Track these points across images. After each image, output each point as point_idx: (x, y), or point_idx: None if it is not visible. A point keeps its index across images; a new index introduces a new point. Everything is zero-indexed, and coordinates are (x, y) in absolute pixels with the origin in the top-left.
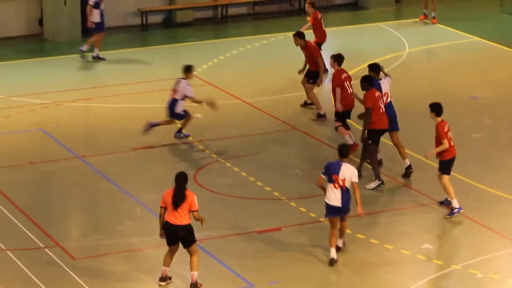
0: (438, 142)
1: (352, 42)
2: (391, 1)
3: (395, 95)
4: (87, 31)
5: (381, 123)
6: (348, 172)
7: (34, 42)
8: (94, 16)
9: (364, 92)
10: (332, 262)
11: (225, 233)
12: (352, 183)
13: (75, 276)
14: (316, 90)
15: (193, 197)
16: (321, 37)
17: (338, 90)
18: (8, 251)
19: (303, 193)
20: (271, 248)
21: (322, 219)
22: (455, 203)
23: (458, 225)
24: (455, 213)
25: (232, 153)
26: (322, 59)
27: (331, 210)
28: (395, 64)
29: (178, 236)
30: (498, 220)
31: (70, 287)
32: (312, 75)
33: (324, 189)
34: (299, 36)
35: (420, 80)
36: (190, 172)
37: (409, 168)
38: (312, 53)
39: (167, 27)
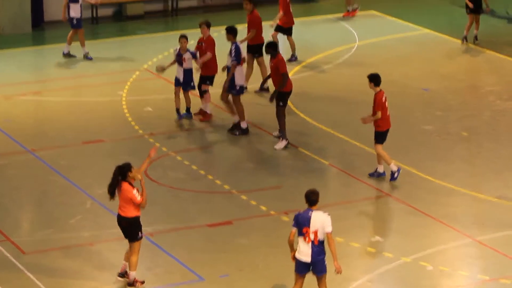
0: (375, 112)
1: (303, 35)
2: None
3: (346, 87)
4: (37, 24)
5: (290, 85)
6: (319, 222)
7: None
8: (75, 11)
9: (271, 58)
10: None
11: (175, 227)
12: (326, 234)
13: (25, 271)
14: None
15: (130, 190)
16: (291, 20)
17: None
18: None
19: (253, 186)
20: (222, 241)
21: (272, 212)
22: (393, 167)
23: (408, 218)
24: (396, 177)
25: (183, 147)
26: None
27: (299, 266)
28: (346, 56)
29: (124, 228)
30: (448, 212)
31: (19, 281)
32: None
33: (293, 248)
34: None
35: (370, 72)
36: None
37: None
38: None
39: (118, 20)
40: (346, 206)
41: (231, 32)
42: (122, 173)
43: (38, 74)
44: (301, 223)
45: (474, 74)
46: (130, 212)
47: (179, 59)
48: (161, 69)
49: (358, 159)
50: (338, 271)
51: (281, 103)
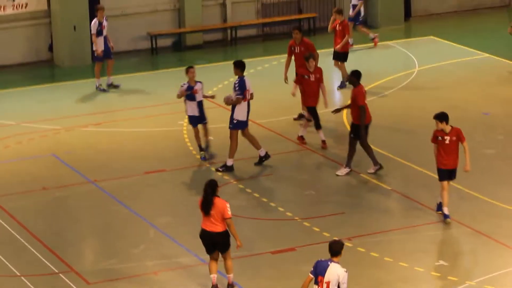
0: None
1: (363, 61)
2: (400, 19)
3: (405, 112)
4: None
5: (369, 118)
6: (334, 275)
7: (44, 68)
8: (99, 44)
9: (352, 88)
10: None
11: (239, 254)
12: None
13: None
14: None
15: (224, 205)
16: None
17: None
18: (23, 277)
19: (316, 212)
20: (285, 268)
21: (335, 238)
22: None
23: (472, 241)
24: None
25: (245, 175)
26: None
27: None
28: (405, 83)
29: (215, 243)
30: None
31: None
32: None
33: None
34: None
35: (431, 98)
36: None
37: (264, 157)
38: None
39: (177, 50)
40: (409, 231)
41: (239, 66)
42: (214, 188)
43: (98, 105)
44: (318, 272)
45: None
46: (222, 227)
47: (190, 93)
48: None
49: (420, 185)
50: None
51: (352, 135)
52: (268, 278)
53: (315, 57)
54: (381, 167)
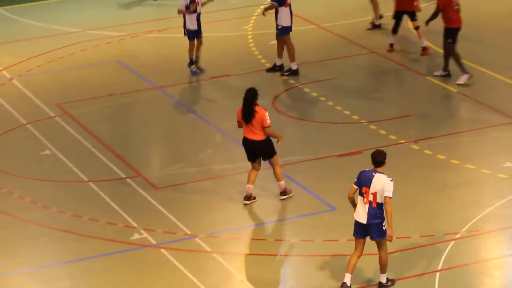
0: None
1: None
2: None
3: (471, 16)
4: None
5: (458, 22)
6: (380, 185)
7: None
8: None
9: None
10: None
11: (305, 158)
12: (385, 198)
13: (157, 205)
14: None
15: (263, 113)
16: None
17: None
18: (90, 183)
19: (382, 115)
20: (352, 171)
21: (402, 141)
22: None
23: None
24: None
25: (310, 78)
26: None
27: (356, 228)
28: None
29: (256, 151)
30: None
31: (152, 216)
32: None
33: (355, 204)
34: None
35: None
36: (269, 99)
37: (293, 72)
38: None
39: None
40: (476, 133)
41: None
42: (254, 97)
43: (162, 11)
44: (363, 183)
45: None
46: (262, 135)
47: (192, 5)
48: None
49: (487, 87)
50: (389, 240)
51: (449, 40)
52: (335, 181)
53: None
54: (448, 74)
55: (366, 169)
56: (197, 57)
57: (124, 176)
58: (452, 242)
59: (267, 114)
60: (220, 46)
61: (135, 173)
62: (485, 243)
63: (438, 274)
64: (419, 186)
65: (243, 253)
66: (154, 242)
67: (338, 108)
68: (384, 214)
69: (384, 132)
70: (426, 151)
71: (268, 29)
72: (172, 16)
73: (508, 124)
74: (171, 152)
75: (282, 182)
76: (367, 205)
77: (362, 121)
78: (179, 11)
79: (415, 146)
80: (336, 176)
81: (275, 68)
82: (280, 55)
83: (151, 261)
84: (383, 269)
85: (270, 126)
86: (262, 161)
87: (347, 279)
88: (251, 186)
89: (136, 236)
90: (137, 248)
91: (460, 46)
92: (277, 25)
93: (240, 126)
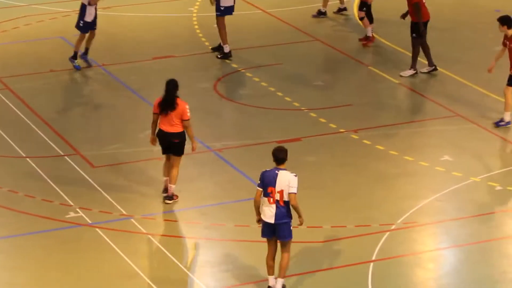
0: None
1: None
2: None
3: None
4: None
5: (427, 15)
6: (285, 182)
7: None
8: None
9: None
10: None
11: (244, 143)
12: (289, 194)
13: (94, 184)
14: None
15: (184, 106)
16: None
17: None
18: (28, 159)
19: (323, 104)
20: (290, 158)
21: (342, 130)
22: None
23: (478, 138)
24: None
25: (253, 64)
26: None
27: (265, 229)
28: None
29: (171, 143)
30: None
31: (89, 195)
32: None
33: (258, 209)
34: None
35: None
36: (211, 82)
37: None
38: None
39: None
40: (416, 125)
41: None
42: (176, 88)
43: None
44: (267, 183)
45: None
46: (181, 127)
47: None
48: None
49: (429, 79)
50: (301, 223)
51: (414, 34)
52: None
53: None
54: (435, 69)
55: (268, 169)
56: (87, 49)
57: (62, 153)
58: (387, 233)
59: (187, 107)
60: (164, 26)
61: (73, 151)
62: (420, 235)
63: (371, 264)
64: (357, 176)
65: (178, 235)
66: (89, 221)
67: (280, 94)
68: (292, 211)
69: (324, 121)
70: (365, 141)
71: (213, 11)
72: None
73: (448, 117)
74: (110, 131)
75: (174, 187)
76: (274, 205)
77: (302, 108)
78: (92, 2)
79: (354, 136)
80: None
81: (227, 56)
82: (225, 40)
83: (86, 240)
84: (282, 273)
85: (189, 119)
86: (198, 146)
87: (271, 282)
88: (168, 178)
89: (71, 214)
90: (72, 226)
91: (404, 38)
92: (219, 6)
93: (155, 118)
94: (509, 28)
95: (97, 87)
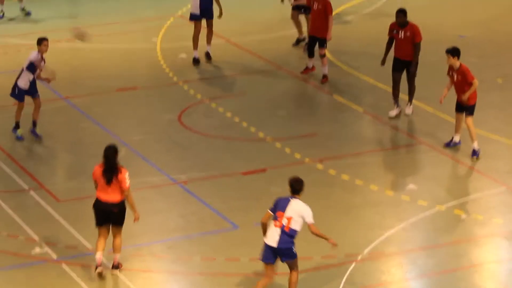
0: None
1: None
2: None
3: (378, 37)
4: None
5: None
6: (297, 211)
7: None
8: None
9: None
10: None
11: (209, 174)
12: (308, 225)
13: (59, 219)
14: None
15: (124, 173)
16: None
17: (331, 18)
18: None
19: (288, 133)
20: (256, 189)
21: (307, 160)
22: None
23: (443, 166)
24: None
25: (217, 94)
26: None
27: (266, 253)
28: (381, 2)
29: (111, 214)
30: (483, 160)
31: (54, 229)
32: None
33: (265, 230)
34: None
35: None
36: (175, 113)
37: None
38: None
39: None
40: (381, 154)
41: None
42: (116, 154)
43: (72, 21)
44: (278, 208)
45: (510, 21)
46: (120, 196)
47: (34, 65)
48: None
49: (392, 107)
50: (334, 245)
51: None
52: (238, 199)
53: None
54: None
55: (283, 197)
56: (34, 122)
57: (27, 187)
58: (354, 264)
59: (127, 175)
60: (128, 58)
61: (38, 185)
62: (386, 265)
63: None
64: (323, 206)
65: (144, 269)
66: (55, 257)
67: (244, 124)
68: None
69: (289, 151)
70: (331, 171)
71: (177, 42)
72: (82, 26)
73: (412, 145)
74: (75, 164)
75: (119, 255)
76: (279, 229)
77: (267, 139)
78: (38, 76)
79: (319, 166)
80: (239, 194)
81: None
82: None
83: (51, 276)
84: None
85: (129, 188)
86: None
87: None
88: (102, 254)
89: (37, 249)
90: (38, 262)
91: (369, 65)
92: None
93: (96, 185)
94: (458, 59)
95: (60, 119)
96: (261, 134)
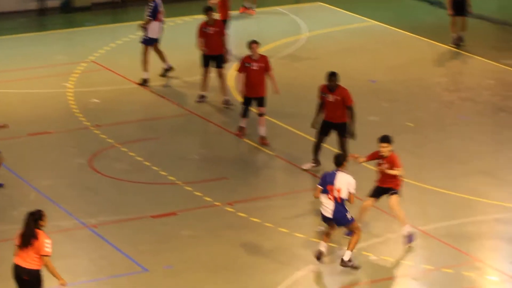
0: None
1: (251, 26)
2: None
3: (294, 78)
4: None
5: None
6: (344, 182)
7: None
8: None
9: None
10: (318, 255)
11: (119, 218)
12: (349, 194)
13: None
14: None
15: (43, 240)
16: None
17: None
18: None
19: (199, 177)
20: (166, 233)
21: (217, 203)
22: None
23: (352, 208)
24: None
25: (129, 138)
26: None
27: (324, 220)
28: (294, 48)
29: (23, 281)
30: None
31: None
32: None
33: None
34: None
35: (319, 64)
36: (86, 158)
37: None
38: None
39: (66, 12)
40: (291, 197)
41: None
42: (38, 219)
43: None
44: (327, 181)
45: (421, 66)
46: (36, 264)
47: None
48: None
49: (304, 150)
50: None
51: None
52: (147, 242)
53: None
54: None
55: (329, 171)
56: None
57: None
58: None
59: (48, 241)
60: (39, 102)
61: None
62: None
63: None
64: (232, 248)
65: None
66: None
67: (155, 168)
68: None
69: (200, 194)
70: (240, 214)
71: (89, 87)
72: None
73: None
74: None
75: None
76: (332, 201)
77: (178, 182)
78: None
79: (229, 209)
80: (149, 237)
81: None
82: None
83: None
84: (350, 246)
85: (49, 255)
86: (74, 222)
87: (322, 246)
88: None
89: None
90: None
91: (276, 110)
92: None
93: (16, 251)
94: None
95: None
96: (171, 178)
